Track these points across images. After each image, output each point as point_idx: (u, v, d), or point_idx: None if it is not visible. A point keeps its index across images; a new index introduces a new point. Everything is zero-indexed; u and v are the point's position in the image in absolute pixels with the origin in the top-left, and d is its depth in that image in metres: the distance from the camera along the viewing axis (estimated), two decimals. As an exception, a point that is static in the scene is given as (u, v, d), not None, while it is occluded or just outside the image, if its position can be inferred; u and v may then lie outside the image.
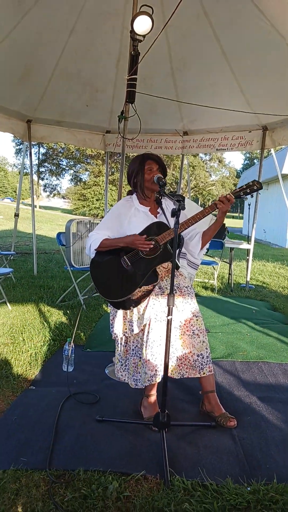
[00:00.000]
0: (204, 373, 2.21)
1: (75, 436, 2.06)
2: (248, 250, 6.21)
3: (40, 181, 39.22)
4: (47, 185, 41.51)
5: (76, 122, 6.23)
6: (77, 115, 6.05)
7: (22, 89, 5.21)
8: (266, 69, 4.49)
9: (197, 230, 2.40)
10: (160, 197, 2.44)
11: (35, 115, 5.91)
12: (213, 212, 2.32)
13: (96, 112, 5.99)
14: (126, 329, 2.30)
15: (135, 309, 2.27)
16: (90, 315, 4.23)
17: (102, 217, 2.76)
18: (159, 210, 2.45)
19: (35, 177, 34.10)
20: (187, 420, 2.27)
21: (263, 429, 2.17)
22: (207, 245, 2.68)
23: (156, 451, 1.93)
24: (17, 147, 38.22)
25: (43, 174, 38.73)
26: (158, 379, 2.15)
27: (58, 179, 42.72)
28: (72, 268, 4.65)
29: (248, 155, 52.56)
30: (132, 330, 2.26)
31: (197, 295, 5.45)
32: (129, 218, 2.37)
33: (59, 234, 4.88)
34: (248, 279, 6.19)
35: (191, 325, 2.22)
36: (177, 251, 2.31)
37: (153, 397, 2.28)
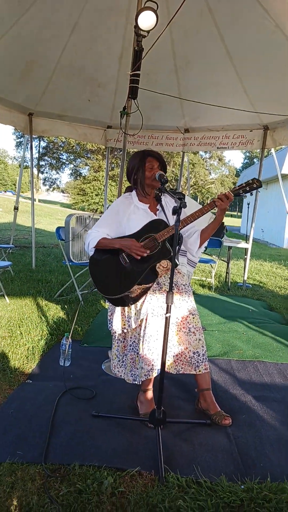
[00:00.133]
0: (199, 371, 2.22)
1: (71, 431, 2.07)
2: (246, 249, 6.22)
3: (40, 174, 39.12)
4: (46, 179, 41.41)
5: (78, 116, 6.21)
6: (79, 110, 6.03)
7: (25, 82, 5.18)
8: (270, 69, 4.48)
9: (196, 228, 2.41)
10: (160, 194, 2.44)
11: (37, 108, 5.89)
12: (212, 210, 2.31)
13: (98, 107, 5.97)
14: (124, 325, 2.31)
15: (132, 305, 2.27)
16: (88, 310, 4.24)
17: (102, 212, 2.76)
18: (158, 207, 2.44)
19: (35, 171, 33.97)
20: (182, 418, 2.28)
21: (258, 428, 2.18)
22: (205, 243, 2.68)
23: (151, 447, 1.94)
24: (18, 140, 38.06)
25: (43, 168, 38.62)
26: (155, 373, 2.17)
27: (58, 173, 42.64)
28: (70, 263, 4.65)
29: (248, 154, 52.52)
30: (130, 325, 2.27)
31: (194, 293, 5.46)
32: (128, 215, 2.37)
33: (58, 228, 4.88)
34: (245, 278, 6.21)
35: (188, 323, 2.22)
36: (176, 248, 2.31)
37: (149, 392, 2.29)
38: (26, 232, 10.98)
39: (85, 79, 5.35)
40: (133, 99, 3.39)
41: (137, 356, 2.25)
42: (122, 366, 2.39)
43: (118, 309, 2.33)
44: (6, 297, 4.31)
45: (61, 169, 39.94)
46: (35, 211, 6.87)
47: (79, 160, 36.88)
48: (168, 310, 1.92)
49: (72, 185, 39.30)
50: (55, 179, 42.77)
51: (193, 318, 2.23)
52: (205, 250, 4.85)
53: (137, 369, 2.26)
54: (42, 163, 37.34)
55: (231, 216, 47.05)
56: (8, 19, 4.08)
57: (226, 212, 2.32)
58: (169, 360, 2.19)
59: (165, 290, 2.21)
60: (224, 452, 1.96)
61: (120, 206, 2.41)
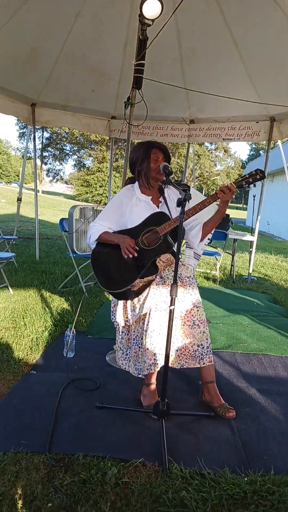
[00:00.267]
0: (204, 363, 2.22)
1: (75, 422, 2.08)
2: (251, 242, 6.19)
3: (43, 165, 39.02)
4: (50, 170, 41.31)
5: (81, 106, 6.15)
6: (83, 100, 5.97)
7: (27, 72, 5.13)
8: (278, 60, 4.39)
9: (198, 220, 2.38)
10: (163, 186, 2.41)
11: (40, 99, 5.84)
12: (217, 202, 2.28)
13: (102, 97, 5.90)
14: (127, 317, 2.31)
15: (135, 298, 2.27)
16: (92, 301, 4.24)
17: (105, 204, 2.74)
18: (161, 199, 2.42)
19: (38, 162, 33.89)
20: (186, 410, 2.29)
21: (261, 421, 2.18)
22: (210, 236, 2.65)
23: (155, 439, 1.94)
24: (21, 131, 37.90)
25: (47, 159, 38.50)
26: (157, 368, 2.17)
27: (61, 164, 42.47)
28: (74, 255, 4.64)
29: (254, 146, 52.06)
30: (132, 318, 2.26)
31: (198, 286, 5.45)
32: (131, 207, 2.35)
33: (62, 220, 4.86)
34: (250, 271, 6.19)
35: (192, 316, 2.21)
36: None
37: (153, 386, 2.30)
38: (29, 224, 10.99)
39: (89, 69, 5.28)
40: (137, 89, 3.34)
41: (140, 350, 2.25)
42: (126, 359, 2.39)
43: (121, 302, 2.32)
44: (10, 288, 4.31)
45: (64, 160, 39.77)
46: (39, 203, 6.85)
47: (82, 151, 36.74)
48: (172, 302, 1.91)
49: (75, 176, 39.19)
50: (59, 170, 42.70)
51: (198, 310, 2.22)
52: (210, 243, 4.82)
53: (140, 362, 2.26)
54: (45, 154, 37.26)
55: (237, 208, 46.84)
56: (10, 8, 4.02)
57: (232, 204, 2.30)
58: (172, 355, 2.18)
59: (168, 284, 2.20)
60: (227, 444, 1.96)
61: (123, 198, 2.39)
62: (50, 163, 39.84)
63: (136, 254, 2.18)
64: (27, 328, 3.32)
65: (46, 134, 35.04)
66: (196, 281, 2.36)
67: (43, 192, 36.66)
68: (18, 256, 6.22)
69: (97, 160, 33.87)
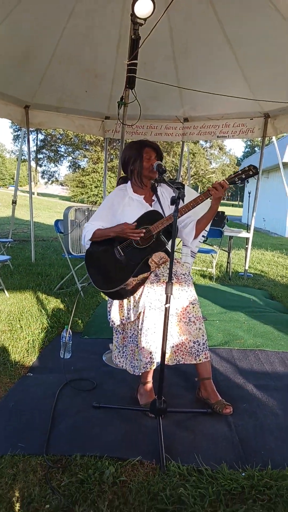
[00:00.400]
0: (200, 360, 2.22)
1: (72, 422, 2.07)
2: (247, 239, 6.20)
3: (38, 167, 38.95)
4: (45, 172, 41.23)
5: (75, 108, 6.14)
6: (76, 101, 5.96)
7: (20, 74, 5.12)
8: (270, 56, 4.40)
9: (192, 218, 2.38)
10: (156, 185, 2.41)
11: (33, 100, 5.82)
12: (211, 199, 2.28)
13: (95, 98, 5.89)
14: (123, 316, 2.31)
15: (131, 297, 2.27)
16: (88, 302, 4.24)
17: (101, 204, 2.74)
18: (154, 197, 2.42)
19: (33, 164, 33.84)
20: (183, 407, 2.29)
21: (258, 416, 2.19)
22: (205, 233, 2.65)
23: (152, 437, 1.94)
24: (15, 134, 37.80)
25: (41, 161, 38.43)
26: (153, 366, 2.17)
27: (56, 165, 42.43)
28: (70, 256, 4.64)
29: (249, 142, 52.11)
30: (129, 318, 2.26)
31: (195, 284, 5.45)
32: (123, 207, 2.35)
33: (57, 221, 4.86)
34: (247, 268, 6.20)
35: (187, 312, 2.22)
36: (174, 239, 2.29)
37: (149, 384, 2.30)
38: (25, 226, 10.96)
39: (82, 70, 5.28)
40: (130, 89, 3.35)
41: (136, 348, 2.25)
42: (123, 357, 2.40)
43: (116, 301, 2.32)
44: (5, 291, 4.31)
45: (59, 161, 39.67)
46: (34, 205, 6.85)
47: (77, 152, 36.66)
48: (167, 300, 1.91)
49: (71, 178, 39.10)
50: (54, 172, 42.63)
51: (193, 307, 2.22)
52: (205, 240, 4.82)
53: (136, 360, 2.26)
54: (40, 156, 37.20)
55: (232, 205, 46.89)
56: (3, 10, 4.01)
57: (228, 202, 2.31)
58: (168, 352, 2.18)
59: (163, 281, 2.19)
60: (225, 440, 1.97)
61: (115, 198, 2.39)
62: (45, 165, 39.81)
63: (144, 231, 2.17)
64: (24, 330, 3.32)
65: (40, 136, 35.02)
66: (192, 278, 2.36)
67: (38, 194, 36.59)
68: (13, 258, 6.21)
69: (92, 161, 33.82)
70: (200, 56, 4.89)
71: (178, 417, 2.16)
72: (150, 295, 2.17)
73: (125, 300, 2.30)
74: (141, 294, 2.20)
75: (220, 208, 2.83)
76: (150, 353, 2.14)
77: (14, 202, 6.94)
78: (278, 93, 4.85)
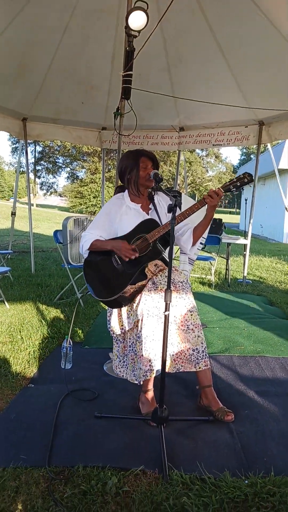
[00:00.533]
0: (200, 367, 2.22)
1: (74, 433, 2.07)
2: (245, 245, 6.22)
3: (37, 179, 39.13)
4: (43, 183, 41.44)
5: (72, 119, 6.21)
6: (73, 113, 6.03)
7: (17, 87, 5.19)
8: (263, 64, 4.49)
9: (190, 225, 2.40)
10: (153, 193, 2.44)
11: (31, 113, 5.89)
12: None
13: (92, 109, 5.97)
14: (122, 325, 2.32)
15: (129, 305, 2.28)
16: (88, 312, 4.24)
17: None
18: (151, 206, 2.44)
19: (31, 176, 34.01)
20: (185, 415, 2.29)
21: (260, 422, 2.18)
22: (203, 240, 2.67)
23: (154, 446, 1.94)
24: (13, 146, 38.12)
25: (40, 172, 38.66)
26: (153, 374, 2.17)
27: (54, 177, 42.60)
28: (69, 266, 4.65)
29: (245, 150, 52.47)
30: (128, 325, 2.27)
31: (194, 291, 5.46)
32: (120, 216, 2.38)
33: (56, 232, 4.88)
34: (245, 274, 6.21)
35: (186, 320, 2.22)
36: (168, 248, 2.31)
37: (150, 393, 2.29)
38: (24, 237, 10.98)
39: (78, 82, 5.36)
40: (126, 100, 3.39)
41: (136, 357, 2.26)
42: (124, 366, 2.39)
43: (115, 310, 2.33)
44: (6, 302, 4.31)
45: (57, 173, 40.00)
46: (33, 216, 6.88)
47: (75, 163, 36.95)
48: (167, 308, 1.92)
49: (69, 189, 39.29)
50: (52, 183, 42.89)
51: (191, 315, 2.23)
52: (203, 248, 4.84)
53: (136, 369, 2.26)
54: (38, 167, 37.43)
55: (230, 213, 47.03)
56: (-1, 25, 4.09)
57: (225, 209, 2.33)
58: (167, 361, 2.19)
59: (160, 289, 2.21)
60: (227, 448, 1.96)
61: (112, 207, 2.42)
62: (43, 177, 40.04)
63: (137, 255, 2.19)
64: (24, 341, 3.31)
65: (38, 148, 35.32)
66: (190, 286, 2.37)
67: (37, 205, 36.69)
68: (13, 270, 6.21)
69: (90, 171, 34.03)
70: (194, 66, 4.98)
71: (180, 425, 2.16)
72: (148, 303, 2.18)
73: (123, 309, 2.31)
74: (139, 302, 2.21)
75: (218, 215, 2.87)
76: (150, 361, 2.15)
77: (13, 214, 6.97)
78: (272, 100, 4.92)
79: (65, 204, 45.65)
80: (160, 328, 2.14)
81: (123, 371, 2.40)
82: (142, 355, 2.14)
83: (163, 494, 1.64)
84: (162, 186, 2.31)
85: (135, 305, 2.23)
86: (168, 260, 2.26)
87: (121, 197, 2.46)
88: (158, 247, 2.24)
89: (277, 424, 2.18)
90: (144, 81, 4.90)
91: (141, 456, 1.88)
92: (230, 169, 44.40)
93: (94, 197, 32.11)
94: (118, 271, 2.25)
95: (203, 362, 2.22)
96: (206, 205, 2.22)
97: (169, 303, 1.91)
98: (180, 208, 2.07)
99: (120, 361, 2.41)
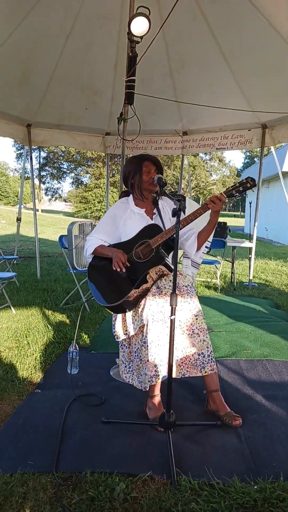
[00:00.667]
0: (206, 372, 2.21)
1: (81, 438, 2.06)
2: (250, 249, 6.20)
3: (42, 185, 39.35)
4: (48, 189, 41.64)
5: (76, 125, 6.25)
6: (77, 118, 6.07)
7: (21, 94, 5.24)
8: (265, 67, 4.49)
9: (194, 230, 2.39)
10: (157, 198, 2.44)
11: (35, 119, 5.94)
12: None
13: (95, 115, 6.01)
14: (126, 330, 2.31)
15: (132, 310, 2.27)
16: (94, 317, 4.24)
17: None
18: (155, 211, 2.44)
19: (36, 181, 34.21)
20: (192, 420, 2.27)
21: (268, 427, 2.16)
22: (208, 244, 2.66)
23: (162, 451, 1.93)
24: (18, 152, 38.39)
25: (44, 178, 38.87)
26: (159, 379, 2.16)
27: (59, 182, 42.87)
28: (75, 271, 4.66)
29: (248, 153, 52.43)
30: (132, 331, 2.27)
31: (200, 295, 5.45)
32: (124, 220, 2.38)
33: (61, 237, 4.90)
34: (251, 278, 6.18)
35: (191, 324, 2.21)
36: (171, 253, 2.30)
37: (157, 398, 2.28)
38: (30, 243, 11.03)
39: (82, 88, 5.40)
40: (129, 105, 3.41)
41: (141, 363, 2.25)
42: (130, 372, 2.39)
43: (119, 315, 2.33)
44: (12, 308, 4.32)
45: (62, 178, 40.17)
46: (38, 221, 6.91)
47: (79, 168, 37.11)
48: (172, 312, 1.91)
49: (74, 194, 39.44)
50: (57, 188, 43.06)
51: (197, 319, 2.22)
52: (208, 251, 4.83)
53: (142, 375, 2.25)
54: (43, 173, 37.65)
55: (234, 216, 46.95)
56: (3, 31, 4.13)
57: (230, 212, 2.32)
58: (173, 366, 2.18)
59: (165, 293, 2.21)
60: (235, 452, 1.94)
61: (116, 211, 2.43)
62: (48, 182, 40.25)
63: (124, 270, 2.22)
64: (31, 347, 3.32)
65: (43, 154, 35.54)
66: (195, 290, 2.36)
67: (42, 211, 36.84)
68: (19, 275, 6.24)
69: (94, 176, 34.16)
70: (196, 70, 5.00)
71: (188, 430, 2.15)
72: (152, 307, 2.17)
73: (128, 314, 2.30)
74: (143, 307, 2.20)
75: (222, 219, 2.86)
76: (155, 366, 2.14)
77: (18, 220, 7.01)
78: (275, 103, 4.93)
79: (70, 209, 45.80)
80: (165, 333, 2.13)
81: (129, 376, 2.39)
82: (147, 361, 2.14)
83: (172, 500, 1.63)
84: (166, 191, 2.31)
85: (139, 310, 2.23)
86: (171, 265, 2.26)
87: (126, 201, 2.47)
88: (161, 252, 2.24)
89: (286, 428, 2.15)
90: (147, 86, 4.93)
91: (148, 462, 1.87)
92: (234, 173, 44.37)
93: (98, 202, 32.22)
94: (121, 277, 2.26)
95: (209, 367, 2.21)
96: (210, 210, 2.21)
97: (174, 308, 1.91)
98: (184, 212, 2.06)
99: (126, 367, 2.40)
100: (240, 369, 2.96)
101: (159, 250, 2.23)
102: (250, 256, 6.20)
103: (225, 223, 6.21)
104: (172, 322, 1.91)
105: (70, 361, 2.91)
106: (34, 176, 7.20)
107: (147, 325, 2.15)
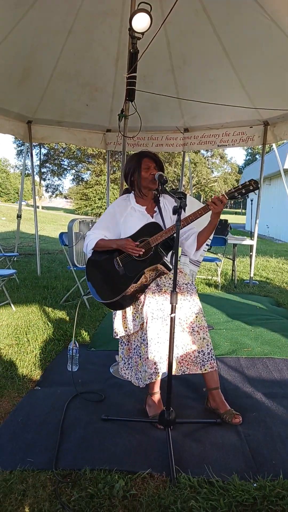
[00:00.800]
0: (205, 370, 2.21)
1: (80, 436, 2.06)
2: (251, 246, 6.19)
3: (42, 181, 39.33)
4: (49, 186, 41.64)
5: (77, 121, 6.23)
6: (77, 115, 6.05)
7: (22, 90, 5.22)
8: (267, 64, 4.47)
9: (194, 229, 2.38)
10: (158, 195, 2.43)
11: (35, 116, 5.92)
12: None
13: (96, 111, 5.98)
14: (126, 327, 2.31)
15: (132, 307, 2.27)
16: (94, 314, 4.24)
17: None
18: (156, 209, 2.43)
19: (37, 178, 34.19)
20: (192, 417, 2.27)
21: (268, 425, 2.16)
22: (209, 241, 2.64)
23: (162, 449, 1.93)
24: (19, 149, 38.35)
25: (45, 175, 38.85)
26: (158, 377, 2.16)
27: (60, 179, 42.84)
28: (75, 268, 4.66)
29: (250, 150, 52.31)
30: (132, 329, 2.26)
31: (200, 292, 5.44)
32: (125, 217, 2.37)
33: (61, 234, 4.89)
34: (252, 275, 6.17)
35: (191, 322, 2.21)
36: (170, 252, 2.29)
37: (157, 395, 2.28)
38: (30, 240, 11.03)
39: (82, 84, 5.37)
40: (130, 102, 3.40)
41: (140, 360, 2.24)
42: (129, 369, 2.39)
43: (119, 312, 2.33)
44: (12, 305, 4.32)
45: (63, 175, 40.20)
46: (39, 218, 6.90)
47: (80, 165, 37.10)
48: (173, 310, 1.91)
49: (74, 191, 39.46)
50: (58, 185, 43.09)
51: (196, 317, 2.21)
52: (209, 249, 4.82)
53: (141, 372, 2.25)
54: (43, 170, 37.62)
55: (235, 213, 46.91)
56: (3, 28, 4.11)
57: (231, 210, 2.30)
58: (173, 363, 2.17)
59: (164, 291, 2.20)
60: (235, 450, 1.94)
61: (117, 208, 2.42)
62: (48, 179, 40.24)
63: (143, 250, 2.18)
64: (31, 344, 3.32)
65: (43, 151, 35.51)
66: (195, 288, 2.35)
67: (42, 207, 36.87)
68: (19, 272, 6.24)
69: (95, 173, 34.15)
70: (198, 67, 4.97)
71: (187, 428, 2.14)
72: (152, 305, 2.17)
73: (128, 311, 2.30)
74: (143, 304, 2.20)
75: (223, 216, 2.85)
76: (155, 363, 2.14)
77: (19, 216, 7.00)
78: (276, 100, 4.90)
79: (70, 206, 45.85)
80: (165, 330, 2.13)
81: (128, 373, 2.39)
82: (147, 358, 2.14)
83: (171, 497, 1.63)
84: (166, 188, 2.30)
85: (139, 306, 2.22)
86: (169, 265, 2.25)
87: (127, 198, 2.46)
88: (160, 251, 2.23)
89: (286, 426, 2.15)
90: (148, 82, 4.91)
91: (148, 459, 1.87)
92: (236, 170, 44.25)
93: (99, 199, 32.23)
94: (119, 273, 2.25)
95: (209, 364, 2.21)
96: (210, 211, 2.20)
97: (175, 305, 1.90)
98: (184, 210, 2.05)
99: (125, 363, 2.40)
100: (241, 367, 2.96)
101: (158, 249, 2.22)
102: (251, 253, 6.19)
103: (226, 221, 6.20)
104: (172, 320, 1.91)
105: (70, 358, 2.90)
106: (35, 173, 7.18)
107: (146, 323, 2.15)
